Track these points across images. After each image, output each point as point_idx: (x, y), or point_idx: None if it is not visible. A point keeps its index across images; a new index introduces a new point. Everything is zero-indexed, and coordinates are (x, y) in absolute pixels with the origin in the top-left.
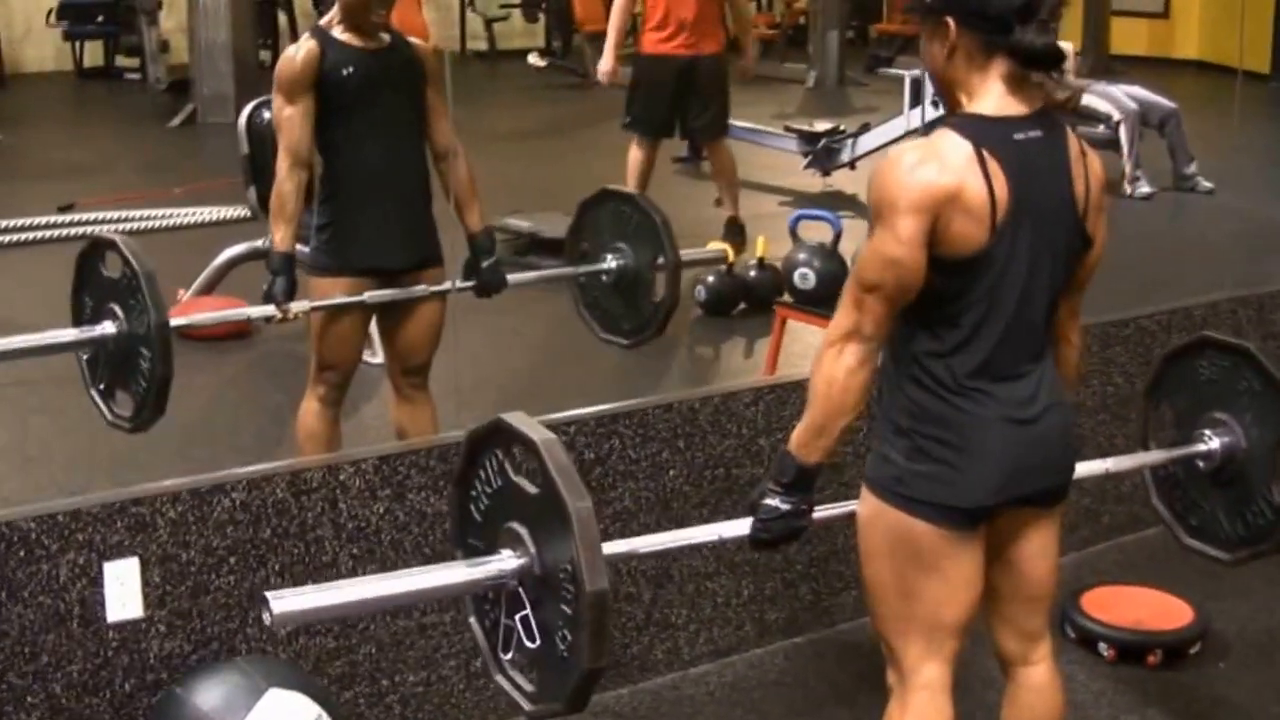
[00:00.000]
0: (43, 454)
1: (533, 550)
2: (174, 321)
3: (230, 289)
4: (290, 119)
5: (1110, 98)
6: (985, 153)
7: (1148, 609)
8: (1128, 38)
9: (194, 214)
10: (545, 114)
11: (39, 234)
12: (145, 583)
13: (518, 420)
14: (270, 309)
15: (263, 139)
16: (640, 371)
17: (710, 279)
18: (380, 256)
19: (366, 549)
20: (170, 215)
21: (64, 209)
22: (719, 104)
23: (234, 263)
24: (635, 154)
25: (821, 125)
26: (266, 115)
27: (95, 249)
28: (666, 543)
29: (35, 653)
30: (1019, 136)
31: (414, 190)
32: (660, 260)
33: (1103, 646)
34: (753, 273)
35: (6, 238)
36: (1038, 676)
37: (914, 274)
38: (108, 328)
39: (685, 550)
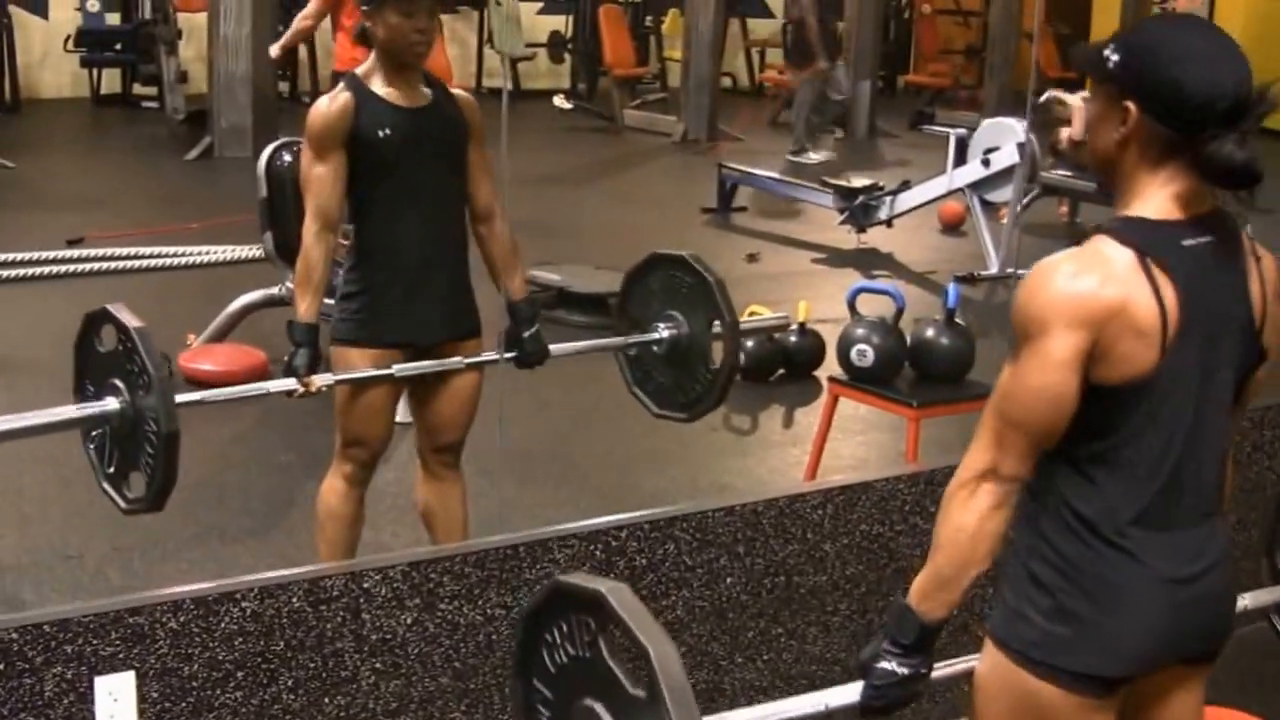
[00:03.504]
0: (39, 510)
1: None
2: (181, 398)
3: (243, 335)
4: (320, 178)
5: None
6: (1151, 262)
7: None
8: None
9: (208, 253)
10: (571, 158)
11: (47, 269)
12: (142, 699)
13: (623, 604)
14: (291, 383)
15: (282, 182)
16: (672, 439)
17: (749, 344)
18: (413, 329)
19: (391, 663)
20: (183, 254)
21: (73, 243)
22: None
23: (247, 310)
24: None
25: (859, 181)
26: (287, 157)
27: (89, 327)
28: (766, 716)
29: None
30: (1189, 243)
31: (453, 259)
32: (716, 326)
33: None
34: (794, 338)
35: (12, 272)
36: None
37: (1068, 405)
38: (110, 403)
39: (739, 663)
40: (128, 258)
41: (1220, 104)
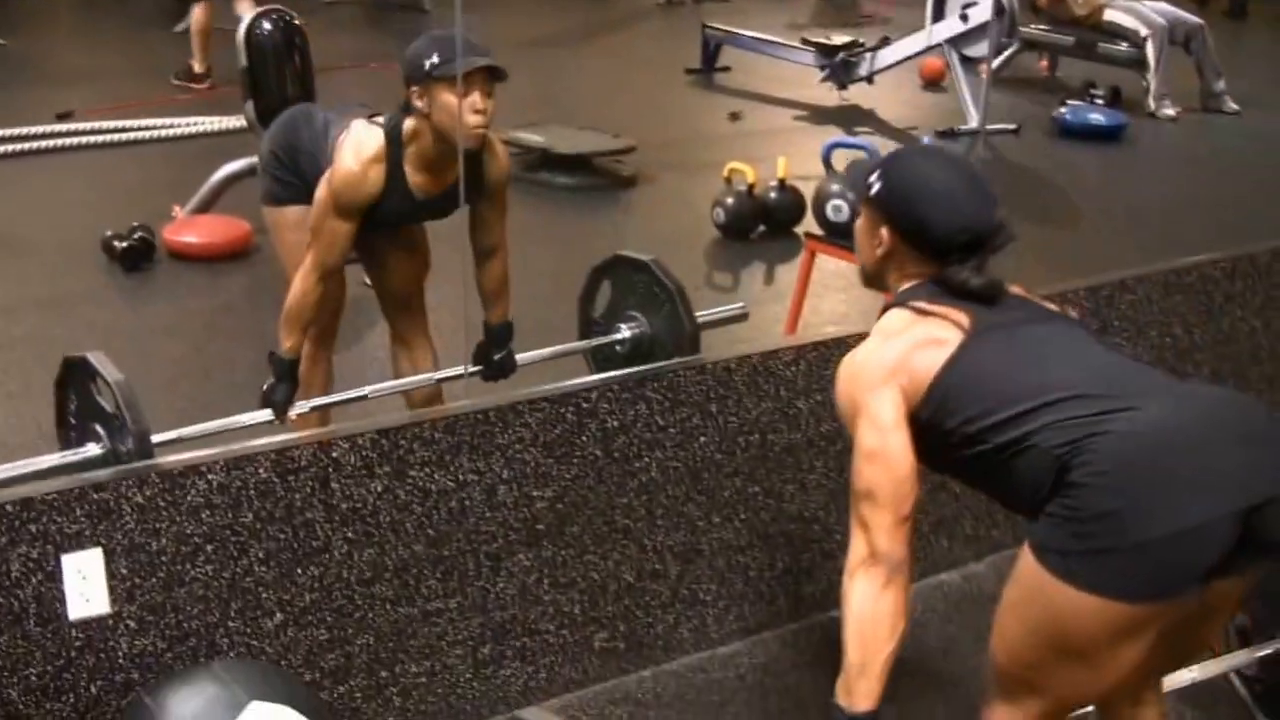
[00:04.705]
0: (22, 389)
1: None
2: (159, 439)
3: (226, 205)
4: (332, 233)
5: (1137, 13)
6: (917, 304)
7: None
8: None
9: (193, 124)
10: (557, 22)
11: (35, 144)
12: (111, 575)
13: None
14: (267, 414)
15: (262, 51)
16: None
17: (729, 200)
18: None
19: (363, 531)
20: (169, 126)
21: (62, 117)
22: None
23: (231, 180)
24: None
25: (839, 38)
26: (266, 26)
27: (70, 374)
28: None
29: None
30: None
31: None
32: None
33: None
34: (773, 194)
35: (1, 148)
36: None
37: (903, 462)
38: (92, 450)
39: (716, 523)
40: (115, 130)
41: (960, 238)
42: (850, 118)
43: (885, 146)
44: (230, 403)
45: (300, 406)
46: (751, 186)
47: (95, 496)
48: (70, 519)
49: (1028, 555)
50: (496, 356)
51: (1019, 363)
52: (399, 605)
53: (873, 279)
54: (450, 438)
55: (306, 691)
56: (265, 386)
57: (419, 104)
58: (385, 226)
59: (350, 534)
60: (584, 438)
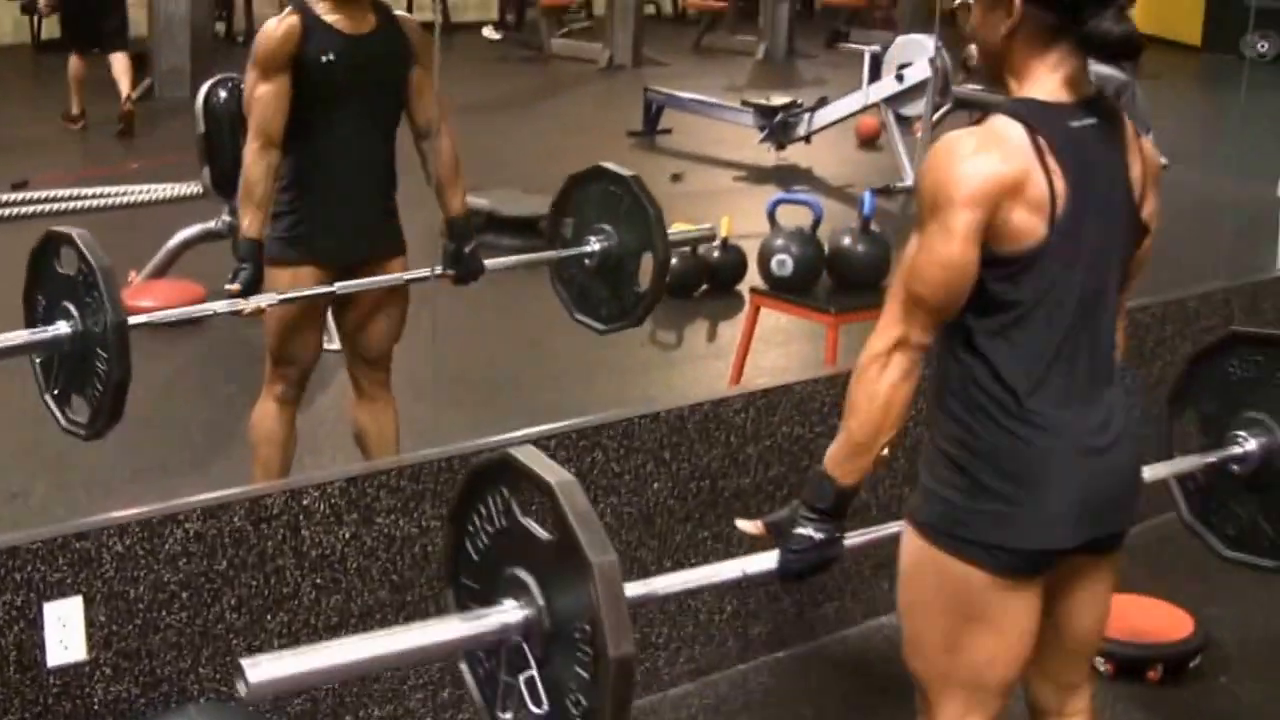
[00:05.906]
0: None
1: (541, 602)
2: (133, 320)
3: (184, 270)
4: (263, 98)
5: None
6: (1041, 139)
7: (1146, 619)
8: None
9: (148, 191)
10: (500, 87)
11: None
12: (89, 622)
13: (529, 457)
14: (236, 303)
15: (219, 118)
16: (598, 357)
17: (673, 259)
18: (337, 248)
19: (331, 578)
20: (124, 193)
21: (17, 186)
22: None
23: (187, 245)
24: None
25: (778, 99)
26: (223, 94)
27: (50, 244)
28: (687, 583)
29: None
30: (1075, 124)
31: (382, 180)
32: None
33: (1100, 661)
34: (716, 253)
35: None
36: None
37: (967, 276)
38: (62, 328)
39: (668, 568)
40: (70, 199)
41: None
42: (788, 176)
43: (826, 203)
44: (187, 459)
45: (266, 298)
46: (695, 246)
47: (77, 545)
48: (53, 567)
49: (913, 538)
50: (465, 251)
51: (1053, 306)
52: None
53: (997, 61)
54: (415, 485)
55: None
56: (231, 273)
57: None
58: (339, 89)
59: (319, 580)
60: None
